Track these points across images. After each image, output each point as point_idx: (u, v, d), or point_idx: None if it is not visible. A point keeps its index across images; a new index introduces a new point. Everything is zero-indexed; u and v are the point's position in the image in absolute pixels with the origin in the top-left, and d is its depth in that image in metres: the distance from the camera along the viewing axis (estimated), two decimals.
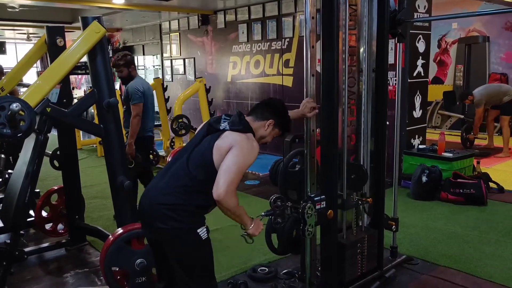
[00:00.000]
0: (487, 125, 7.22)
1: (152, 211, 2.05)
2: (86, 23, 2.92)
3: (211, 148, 2.07)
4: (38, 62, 13.52)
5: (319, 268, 2.91)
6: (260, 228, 2.21)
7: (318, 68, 2.64)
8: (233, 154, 2.01)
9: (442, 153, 5.17)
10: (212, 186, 1.99)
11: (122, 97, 4.35)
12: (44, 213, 3.88)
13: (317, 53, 2.64)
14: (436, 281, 3.12)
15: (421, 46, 5.49)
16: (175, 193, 2.03)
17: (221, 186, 1.95)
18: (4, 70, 4.85)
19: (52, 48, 3.32)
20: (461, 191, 4.72)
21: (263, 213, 2.63)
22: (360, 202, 2.87)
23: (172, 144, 6.90)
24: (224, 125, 2.14)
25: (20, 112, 2.41)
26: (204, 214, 2.12)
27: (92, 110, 8.18)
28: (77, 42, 2.87)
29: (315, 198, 2.56)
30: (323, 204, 2.58)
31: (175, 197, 2.02)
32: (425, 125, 5.90)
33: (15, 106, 2.34)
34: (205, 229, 2.07)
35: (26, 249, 3.50)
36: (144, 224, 2.19)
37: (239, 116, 2.17)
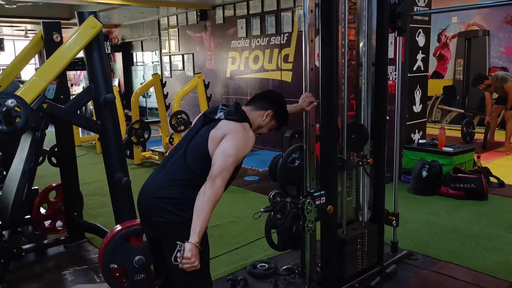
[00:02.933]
0: (491, 120, 7.19)
1: (149, 205, 2.04)
2: (82, 18, 2.88)
3: (206, 137, 2.04)
4: (37, 58, 13.51)
5: (319, 264, 2.89)
6: (195, 257, 1.80)
7: (317, 63, 2.62)
8: (227, 140, 1.97)
9: (442, 148, 5.15)
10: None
11: None
12: (42, 210, 3.86)
13: (317, 47, 2.62)
14: (437, 276, 3.10)
15: (421, 40, 5.46)
16: (172, 186, 2.01)
17: (216, 168, 1.89)
18: (1, 67, 4.70)
19: (48, 44, 3.29)
20: (461, 185, 4.70)
21: (262, 209, 2.62)
22: (360, 163, 2.84)
23: (171, 140, 6.88)
24: (220, 114, 2.11)
25: (16, 108, 2.39)
26: None
27: (91, 106, 8.16)
28: (73, 38, 2.84)
29: (315, 194, 2.53)
30: (322, 199, 2.56)
31: (172, 190, 2.00)
32: (425, 119, 5.87)
33: (10, 102, 2.32)
34: None
35: (24, 247, 3.48)
36: (142, 218, 2.17)
37: (235, 106, 2.15)
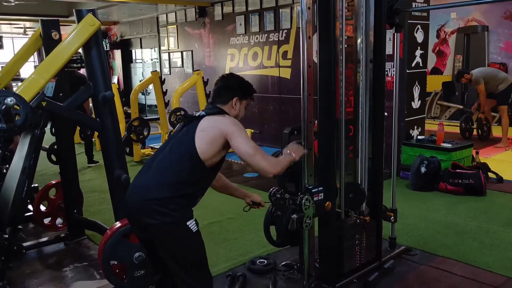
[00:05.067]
0: (486, 115, 7.21)
1: (140, 208, 2.03)
2: (80, 16, 2.88)
3: (192, 136, 2.09)
4: (36, 56, 13.49)
5: (318, 260, 2.91)
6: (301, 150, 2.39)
7: (316, 59, 2.62)
8: (235, 137, 2.06)
9: (441, 144, 5.16)
10: (197, 176, 2.07)
11: None
12: (42, 208, 3.87)
13: (315, 44, 2.62)
14: (435, 271, 3.12)
15: (419, 36, 5.46)
16: (161, 186, 2.02)
17: (256, 162, 2.05)
18: (0, 65, 4.77)
19: (47, 42, 3.29)
20: (460, 181, 4.72)
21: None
22: (358, 221, 2.88)
23: None
24: (199, 113, 2.20)
25: (15, 106, 2.40)
26: (192, 207, 2.12)
27: (90, 104, 8.14)
28: (72, 35, 2.84)
29: (313, 190, 2.55)
30: (320, 195, 2.57)
31: (162, 191, 2.01)
32: (424, 115, 5.89)
33: (9, 100, 2.33)
34: (194, 222, 2.07)
35: (25, 244, 3.49)
36: (133, 221, 2.18)
37: (211, 104, 2.28)
